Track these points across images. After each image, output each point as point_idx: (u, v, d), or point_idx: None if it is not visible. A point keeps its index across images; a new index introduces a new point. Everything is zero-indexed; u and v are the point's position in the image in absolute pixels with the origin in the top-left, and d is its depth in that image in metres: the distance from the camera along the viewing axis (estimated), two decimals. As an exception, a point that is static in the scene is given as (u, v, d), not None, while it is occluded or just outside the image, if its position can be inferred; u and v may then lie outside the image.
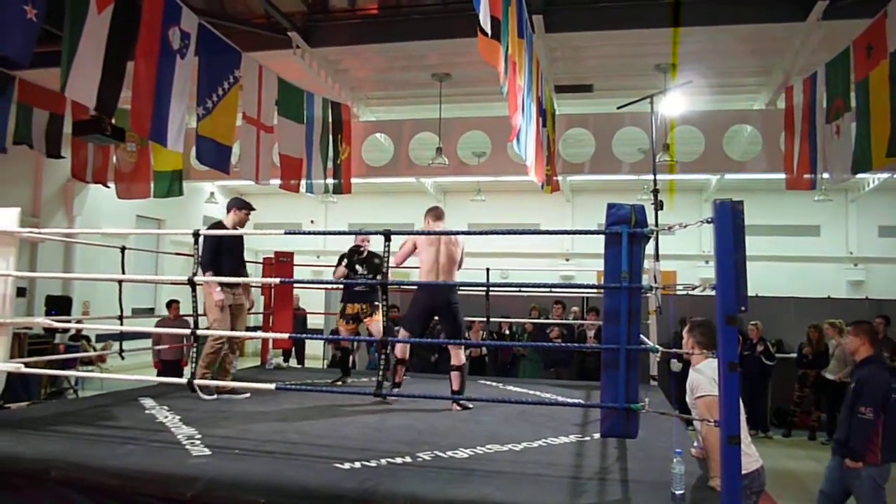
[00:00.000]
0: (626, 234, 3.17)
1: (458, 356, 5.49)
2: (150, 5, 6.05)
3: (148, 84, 6.11)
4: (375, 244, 5.53)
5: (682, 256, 14.57)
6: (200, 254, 5.00)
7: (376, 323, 6.42)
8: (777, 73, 9.77)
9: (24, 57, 4.94)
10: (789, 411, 9.44)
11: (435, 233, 5.49)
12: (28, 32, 4.87)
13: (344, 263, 6.50)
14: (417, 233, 5.57)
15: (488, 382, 7.14)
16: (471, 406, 5.27)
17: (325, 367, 10.15)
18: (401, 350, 5.73)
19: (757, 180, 12.79)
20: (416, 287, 5.89)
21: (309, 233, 6.05)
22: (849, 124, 7.46)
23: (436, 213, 5.71)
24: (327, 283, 5.74)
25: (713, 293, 2.78)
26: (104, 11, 5.48)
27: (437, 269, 5.46)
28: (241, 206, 5.78)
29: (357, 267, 6.50)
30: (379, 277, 6.12)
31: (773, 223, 14.81)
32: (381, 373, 4.10)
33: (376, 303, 6.45)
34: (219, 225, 5.79)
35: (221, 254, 5.53)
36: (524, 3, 6.06)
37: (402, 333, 5.61)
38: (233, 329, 5.60)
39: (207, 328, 5.41)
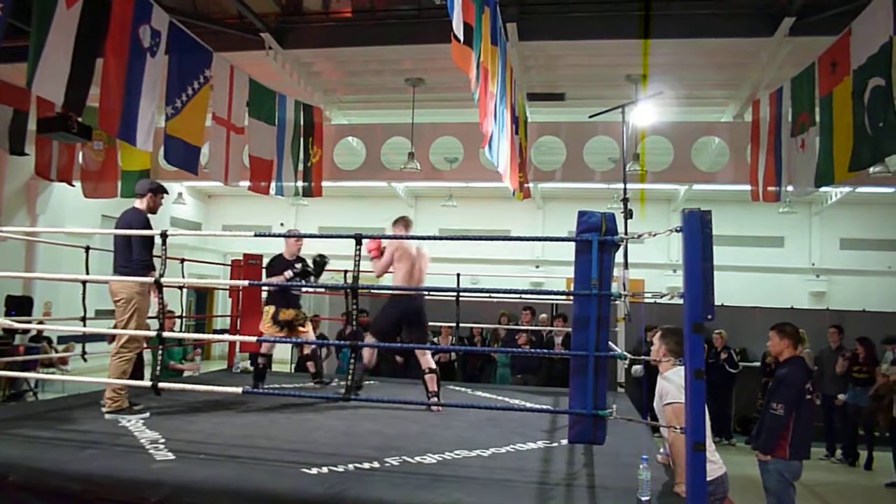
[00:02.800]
0: (597, 241, 3.20)
1: (429, 361, 5.60)
2: (121, 2, 5.94)
3: (117, 82, 6.00)
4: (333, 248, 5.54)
5: (651, 265, 14.76)
6: (138, 252, 4.86)
7: (308, 334, 6.30)
8: (745, 87, 9.96)
9: (-12, 51, 4.84)
10: (753, 419, 9.60)
11: (406, 237, 5.51)
12: (-7, 26, 4.76)
13: (288, 277, 6.11)
14: (388, 237, 5.56)
15: (458, 388, 7.14)
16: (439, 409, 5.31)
17: (292, 371, 10.05)
18: (369, 357, 5.76)
19: (724, 191, 13.01)
20: (388, 295, 5.91)
21: (279, 235, 5.80)
22: (813, 138, 7.62)
23: (406, 223, 5.84)
24: (307, 285, 5.61)
25: (681, 301, 2.82)
26: (73, 7, 5.38)
27: (412, 281, 5.63)
28: (158, 189, 5.21)
29: (288, 272, 6.15)
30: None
31: (739, 234, 15.06)
32: (350, 377, 4.08)
33: (304, 311, 6.38)
34: (145, 220, 5.06)
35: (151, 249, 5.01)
36: (498, 11, 6.10)
37: (371, 339, 5.68)
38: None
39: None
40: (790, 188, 8.52)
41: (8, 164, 11.66)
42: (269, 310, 6.10)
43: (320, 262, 6.28)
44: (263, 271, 6.30)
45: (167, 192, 5.35)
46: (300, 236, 5.80)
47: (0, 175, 11.93)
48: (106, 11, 5.78)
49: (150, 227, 4.89)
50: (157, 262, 4.81)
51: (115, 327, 4.95)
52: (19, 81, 5.61)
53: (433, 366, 5.62)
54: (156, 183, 5.27)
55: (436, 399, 5.43)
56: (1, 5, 4.72)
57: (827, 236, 15.56)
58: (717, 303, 2.86)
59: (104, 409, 4.74)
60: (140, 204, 5.13)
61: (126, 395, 4.83)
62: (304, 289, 5.90)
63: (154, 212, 5.18)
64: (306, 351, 6.65)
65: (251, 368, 6.63)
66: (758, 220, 15.12)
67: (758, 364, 9.75)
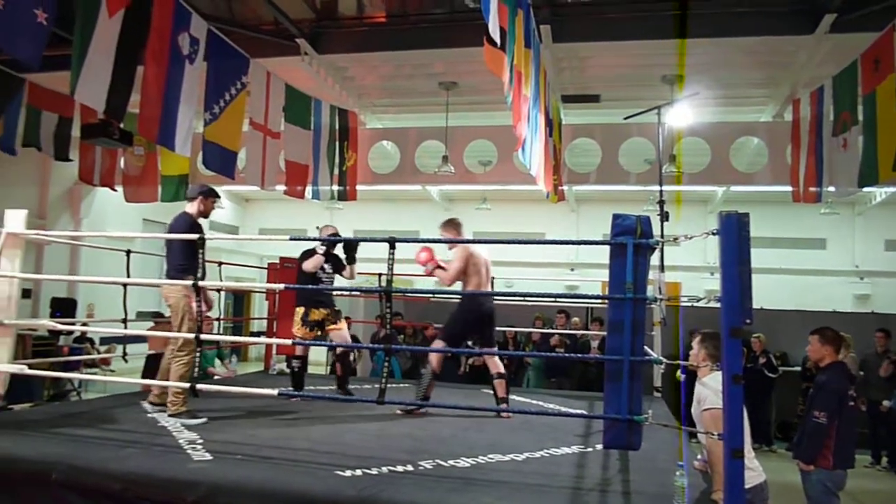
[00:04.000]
0: (632, 244, 3.16)
1: (498, 365, 5.59)
2: (161, 10, 6.08)
3: (157, 89, 6.13)
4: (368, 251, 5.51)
5: (687, 268, 14.52)
6: (178, 256, 4.84)
7: (341, 332, 6.11)
8: (784, 86, 9.77)
9: (34, 60, 4.97)
10: (793, 425, 9.40)
11: (444, 241, 5.51)
12: (39, 36, 4.89)
13: (321, 252, 5.92)
14: (430, 240, 5.45)
15: (491, 391, 7.11)
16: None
17: (328, 373, 10.14)
18: (437, 362, 5.60)
19: (763, 192, 12.75)
20: (464, 298, 5.77)
21: (314, 239, 5.73)
22: (856, 138, 7.44)
23: (457, 225, 5.75)
24: (340, 289, 5.57)
25: (718, 305, 2.78)
26: (115, 16, 5.50)
27: (486, 286, 5.62)
28: (209, 193, 5.15)
29: (325, 265, 6.00)
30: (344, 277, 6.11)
31: (779, 235, 14.75)
32: (384, 380, 4.09)
33: (338, 308, 6.18)
34: (191, 223, 5.02)
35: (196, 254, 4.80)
36: (532, 13, 6.08)
37: (441, 345, 5.62)
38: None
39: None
40: (832, 189, 8.33)
41: (52, 169, 11.99)
42: (299, 311, 5.98)
43: (349, 249, 6.06)
44: (297, 267, 6.12)
45: (219, 196, 5.27)
46: (332, 240, 5.75)
47: (45, 180, 12.28)
48: (146, 20, 5.91)
49: (195, 231, 4.81)
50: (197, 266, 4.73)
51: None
52: (63, 89, 5.75)
53: (502, 370, 5.57)
54: (206, 186, 5.23)
55: (505, 405, 5.41)
56: (45, 15, 4.85)
57: (871, 237, 15.13)
58: (755, 306, 2.80)
59: (168, 413, 4.73)
60: (190, 208, 5.10)
61: (185, 398, 4.75)
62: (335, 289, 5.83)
63: (206, 215, 5.13)
64: (338, 351, 6.42)
65: (287, 370, 6.69)
66: (798, 222, 14.78)
67: (798, 369, 9.54)
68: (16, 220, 4.33)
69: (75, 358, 9.48)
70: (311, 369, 12.35)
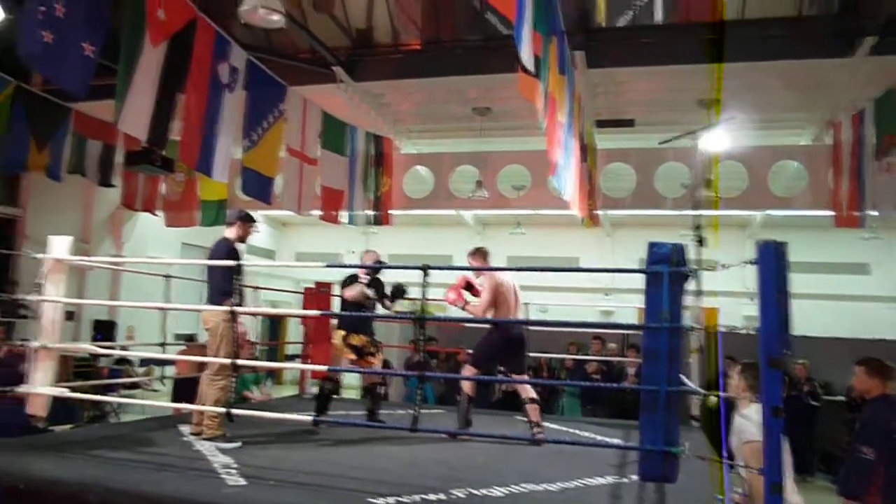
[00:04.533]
0: (668, 273, 3.13)
1: (529, 390, 5.59)
2: (202, 41, 6.23)
3: (197, 117, 6.28)
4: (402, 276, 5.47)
5: (726, 293, 14.23)
6: (218, 280, 4.84)
7: (375, 365, 5.98)
8: (823, 109, 9.63)
9: (81, 91, 5.14)
10: (837, 457, 9.09)
11: (471, 269, 5.53)
12: (86, 68, 5.06)
13: (365, 282, 5.78)
14: (462, 268, 5.49)
15: (524, 419, 7.04)
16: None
17: (361, 396, 10.15)
18: (471, 388, 5.62)
19: (802, 216, 12.51)
20: (492, 325, 5.79)
21: (349, 266, 5.78)
22: (899, 161, 7.30)
23: (485, 254, 5.84)
24: (378, 317, 5.55)
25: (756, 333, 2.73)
26: (158, 47, 5.67)
27: (515, 313, 5.67)
28: (247, 218, 5.21)
29: (368, 291, 5.80)
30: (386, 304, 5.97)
31: (820, 260, 14.41)
32: (417, 407, 4.08)
33: (378, 339, 6.04)
34: (230, 248, 5.03)
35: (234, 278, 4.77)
36: (566, 40, 6.11)
37: (471, 370, 5.65)
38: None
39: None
40: (875, 213, 8.15)
41: (96, 195, 12.32)
42: (340, 333, 5.82)
43: (397, 291, 5.93)
44: (341, 290, 5.97)
45: (255, 221, 5.32)
46: (368, 267, 5.74)
47: (89, 205, 12.61)
48: (188, 51, 6.06)
49: (235, 256, 4.86)
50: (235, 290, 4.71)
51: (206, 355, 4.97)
52: (108, 117, 5.93)
53: (533, 395, 5.57)
54: (244, 212, 5.27)
55: (539, 429, 5.43)
56: (92, 48, 5.01)
57: (917, 263, 14.71)
58: (796, 333, 2.74)
59: (202, 437, 4.73)
60: (230, 233, 5.13)
61: (220, 422, 4.75)
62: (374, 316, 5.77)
63: (244, 240, 5.18)
64: (368, 383, 6.30)
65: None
66: (840, 246, 14.42)
67: (842, 398, 9.25)
68: (61, 246, 4.45)
69: (115, 381, 9.62)
70: (344, 393, 12.40)
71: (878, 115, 7.71)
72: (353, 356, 5.78)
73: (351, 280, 5.87)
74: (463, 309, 5.68)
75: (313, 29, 8.65)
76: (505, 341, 5.64)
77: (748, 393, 3.44)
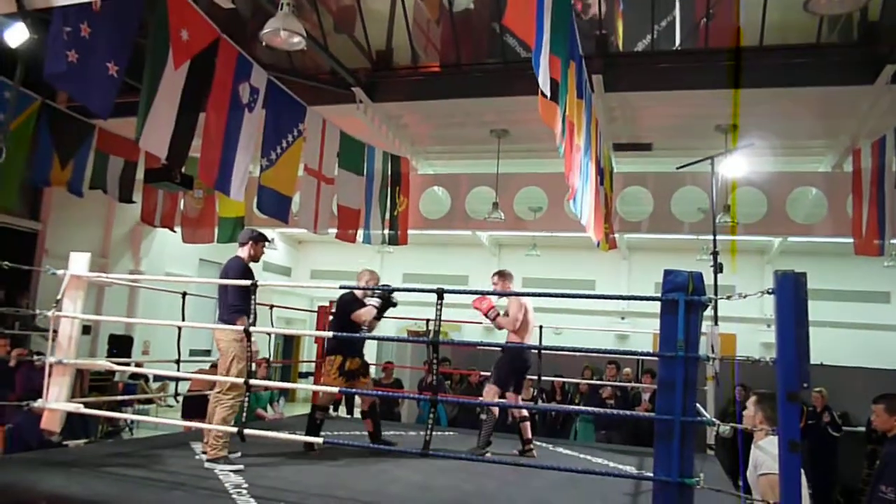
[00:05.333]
0: (683, 301, 3.10)
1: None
2: (224, 62, 6.32)
3: (217, 136, 6.35)
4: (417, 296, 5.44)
5: (743, 319, 14.10)
6: (232, 299, 4.86)
7: (368, 385, 5.90)
8: (843, 136, 9.56)
9: (104, 110, 5.23)
10: (859, 491, 8.91)
11: (492, 293, 5.53)
12: (110, 87, 5.15)
13: (376, 304, 5.55)
14: (478, 292, 5.37)
15: (538, 444, 6.98)
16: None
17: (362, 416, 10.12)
18: (497, 410, 5.91)
19: (822, 243, 12.41)
20: (513, 349, 5.98)
21: (363, 288, 5.66)
22: (921, 190, 7.22)
23: (507, 276, 6.12)
24: (389, 338, 5.53)
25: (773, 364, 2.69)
26: (180, 68, 5.75)
27: (530, 334, 6.03)
28: (259, 238, 5.25)
29: (373, 300, 5.61)
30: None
31: (839, 288, 14.25)
32: (429, 430, 4.05)
33: (366, 360, 5.91)
34: (243, 267, 5.08)
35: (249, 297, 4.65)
36: (584, 64, 6.13)
37: (494, 390, 5.81)
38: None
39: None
40: (895, 241, 8.06)
41: (116, 210, 12.48)
42: (336, 360, 5.58)
43: (388, 304, 5.70)
44: (338, 314, 5.75)
45: (269, 240, 5.38)
46: (382, 290, 5.63)
47: (109, 220, 12.78)
48: (210, 71, 6.16)
49: (249, 275, 4.89)
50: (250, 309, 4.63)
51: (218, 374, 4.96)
52: (129, 134, 6.00)
53: (526, 413, 5.88)
54: (257, 231, 5.31)
55: (531, 447, 5.86)
56: (116, 68, 5.10)
57: (938, 292, 14.50)
58: (816, 362, 2.70)
59: (205, 457, 4.72)
60: (242, 252, 5.17)
61: (225, 443, 4.72)
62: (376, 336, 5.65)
63: (256, 260, 5.22)
64: (365, 407, 6.06)
65: (333, 414, 6.60)
66: (860, 274, 14.24)
67: (861, 429, 9.07)
68: (79, 262, 4.49)
69: (129, 397, 9.67)
70: (356, 412, 12.35)
71: (900, 142, 7.64)
72: (341, 382, 5.54)
73: (354, 300, 5.67)
74: (493, 321, 5.82)
75: (333, 50, 8.74)
76: (523, 363, 5.97)
77: (765, 424, 3.38)
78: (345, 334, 5.40)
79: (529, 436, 5.87)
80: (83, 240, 11.55)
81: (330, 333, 5.54)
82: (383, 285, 5.95)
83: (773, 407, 3.44)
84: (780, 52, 8.28)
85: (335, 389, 5.42)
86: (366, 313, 5.56)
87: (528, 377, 8.04)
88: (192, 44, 5.84)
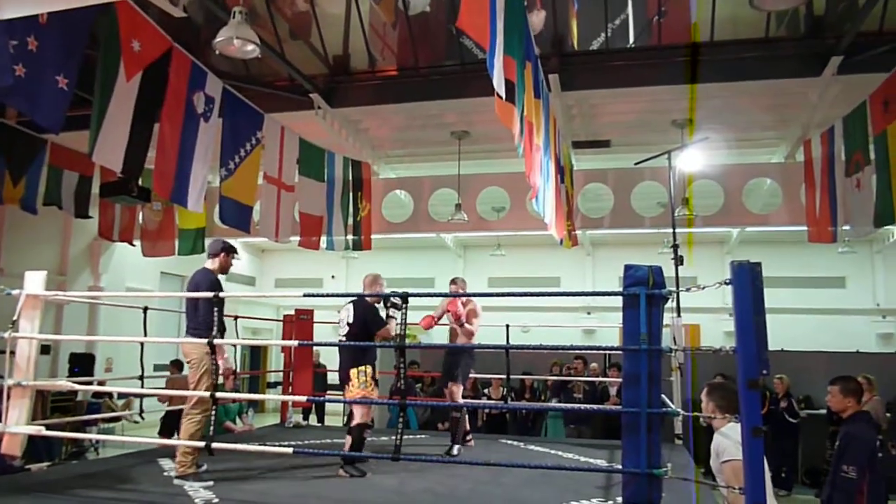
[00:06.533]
0: (644, 295, 3.15)
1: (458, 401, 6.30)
2: (177, 72, 6.22)
3: (172, 147, 6.25)
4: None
5: (706, 309, 14.38)
6: (204, 312, 4.72)
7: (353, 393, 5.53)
8: (795, 127, 9.80)
9: (55, 124, 5.10)
10: (822, 470, 9.14)
11: (457, 296, 5.57)
12: (60, 101, 5.03)
13: (397, 319, 5.02)
14: (440, 295, 5.36)
15: (509, 442, 7.03)
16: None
17: (344, 424, 10.06)
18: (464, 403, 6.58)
19: (779, 232, 12.70)
20: (466, 349, 6.22)
21: (328, 294, 5.56)
22: (870, 177, 7.41)
23: (462, 281, 6.40)
24: (354, 344, 5.33)
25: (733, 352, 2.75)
26: (133, 79, 5.65)
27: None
28: (230, 249, 5.18)
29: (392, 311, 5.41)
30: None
31: (797, 275, 14.63)
32: (399, 434, 4.05)
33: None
34: (214, 280, 4.99)
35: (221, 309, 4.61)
36: (539, 64, 6.18)
37: (459, 388, 6.14)
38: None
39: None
40: (847, 228, 8.28)
41: (73, 226, 12.20)
42: (368, 370, 5.30)
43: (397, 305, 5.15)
44: (357, 323, 5.41)
45: (237, 252, 5.28)
46: (396, 296, 5.18)
47: (66, 237, 12.49)
48: (163, 82, 6.05)
49: (219, 288, 4.81)
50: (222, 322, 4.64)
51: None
52: (83, 148, 5.86)
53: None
54: (227, 243, 5.21)
55: (470, 437, 6.39)
56: (66, 81, 4.99)
57: (891, 275, 14.94)
58: (776, 348, 2.78)
59: (174, 473, 4.63)
60: (211, 264, 5.09)
61: (194, 459, 4.64)
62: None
63: (225, 272, 5.13)
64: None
65: (303, 423, 6.55)
66: (816, 261, 14.65)
67: (823, 412, 9.31)
68: (35, 281, 4.38)
69: (93, 416, 9.45)
70: (327, 420, 12.28)
71: (847, 132, 7.84)
72: (376, 392, 5.41)
73: (375, 312, 5.43)
74: (461, 328, 6.09)
75: (290, 57, 8.66)
76: (474, 361, 6.48)
77: (717, 413, 3.46)
78: (366, 343, 5.27)
79: (467, 427, 6.39)
80: (39, 257, 11.27)
81: (295, 343, 5.49)
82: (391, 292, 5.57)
83: (722, 396, 3.54)
84: (731, 46, 8.44)
85: (301, 398, 5.37)
86: (389, 330, 5.31)
87: (497, 376, 8.20)
88: (144, 54, 5.74)
